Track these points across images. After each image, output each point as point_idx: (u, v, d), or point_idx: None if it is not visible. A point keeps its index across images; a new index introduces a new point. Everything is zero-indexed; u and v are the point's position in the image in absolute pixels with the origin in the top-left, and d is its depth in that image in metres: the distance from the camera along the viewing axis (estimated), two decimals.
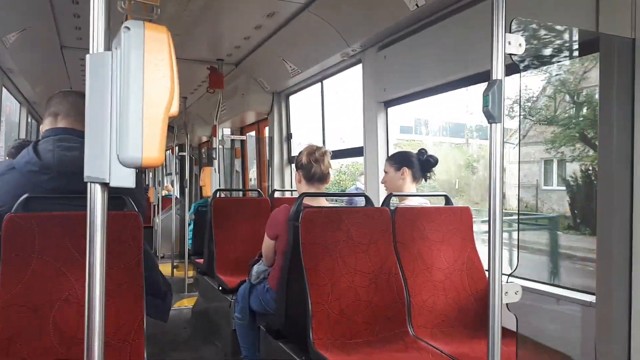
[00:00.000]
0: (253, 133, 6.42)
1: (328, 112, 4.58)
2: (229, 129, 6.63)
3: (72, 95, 1.84)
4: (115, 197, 1.71)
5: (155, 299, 1.89)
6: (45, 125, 1.80)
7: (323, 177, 2.55)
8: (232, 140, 7.01)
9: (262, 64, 4.74)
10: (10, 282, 1.58)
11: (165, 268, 1.95)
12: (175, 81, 0.92)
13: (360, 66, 3.62)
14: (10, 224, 1.60)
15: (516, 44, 1.36)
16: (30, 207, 1.64)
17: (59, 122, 1.79)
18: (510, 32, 1.35)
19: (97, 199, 0.92)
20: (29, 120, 6.20)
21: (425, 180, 2.77)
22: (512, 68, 1.45)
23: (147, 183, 9.53)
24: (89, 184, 0.92)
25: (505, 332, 1.35)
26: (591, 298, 1.93)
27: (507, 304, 1.36)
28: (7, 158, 2.85)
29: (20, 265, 1.60)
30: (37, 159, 1.65)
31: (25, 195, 1.63)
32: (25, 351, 1.57)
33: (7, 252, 1.59)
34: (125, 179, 0.90)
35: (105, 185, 0.92)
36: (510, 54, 1.38)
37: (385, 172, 2.77)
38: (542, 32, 1.83)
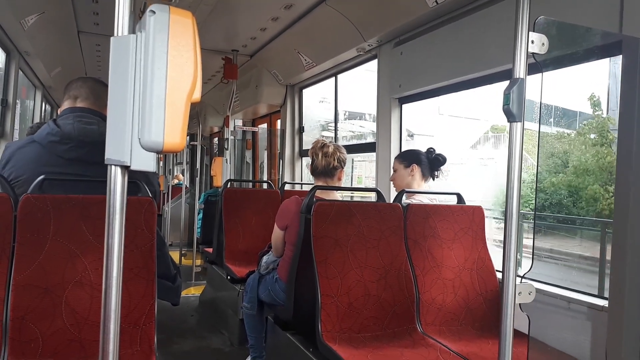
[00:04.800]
0: (265, 125, 6.42)
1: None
2: (241, 120, 6.65)
3: (91, 80, 1.92)
4: (130, 182, 1.72)
5: (165, 282, 1.91)
6: (64, 106, 1.85)
7: (327, 172, 2.55)
8: (244, 132, 7.03)
9: (276, 56, 4.73)
10: (25, 262, 1.60)
11: (173, 255, 1.97)
12: (198, 67, 0.92)
13: (375, 62, 3.60)
14: (26, 205, 1.61)
15: (539, 43, 1.35)
16: (46, 183, 1.66)
17: (78, 104, 1.84)
18: (533, 31, 1.33)
19: (117, 181, 0.92)
20: (44, 105, 6.24)
21: (433, 179, 2.76)
22: (533, 67, 1.44)
23: (157, 172, 9.57)
24: (109, 166, 0.92)
25: (515, 333, 1.34)
26: (603, 302, 1.92)
27: (519, 304, 1.35)
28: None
29: (34, 246, 1.62)
30: (58, 129, 1.69)
31: (41, 177, 1.64)
32: (38, 331, 1.59)
33: (22, 232, 1.61)
34: (146, 162, 0.90)
35: (125, 168, 0.92)
36: (533, 53, 1.37)
37: (395, 169, 2.77)
38: (566, 32, 1.81)
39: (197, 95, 0.93)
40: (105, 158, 0.91)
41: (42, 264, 1.61)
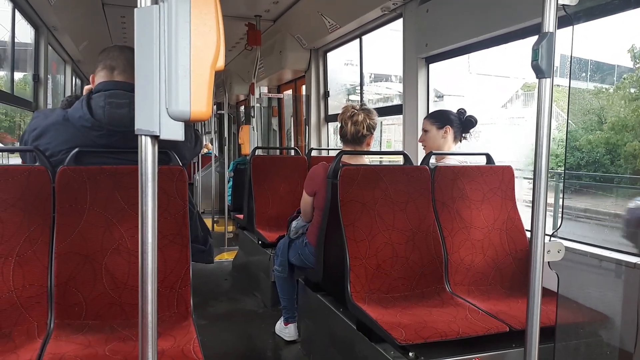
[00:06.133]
0: (290, 91, 6.40)
1: None
2: (266, 87, 6.63)
3: (127, 50, 1.84)
4: (161, 151, 1.75)
5: (198, 246, 1.97)
6: (99, 78, 1.81)
7: (355, 139, 2.52)
8: (269, 99, 7.02)
9: (300, 19, 4.67)
10: (66, 231, 1.68)
11: (206, 223, 2.02)
12: (221, 35, 0.92)
13: (400, 21, 3.52)
14: (63, 176, 1.68)
15: None
16: (81, 160, 1.71)
17: (116, 77, 1.80)
18: None
19: (147, 151, 0.95)
20: (74, 79, 6.36)
21: (460, 142, 2.71)
22: (564, 20, 1.39)
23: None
24: (139, 136, 0.95)
25: (544, 291, 1.35)
26: (636, 259, 1.89)
27: (548, 262, 1.35)
28: None
29: (73, 215, 1.69)
30: (90, 116, 1.69)
31: (76, 149, 1.70)
32: (81, 295, 1.68)
33: (61, 203, 1.68)
34: (175, 131, 0.93)
35: (155, 137, 0.95)
36: (564, 5, 1.32)
37: (425, 130, 2.72)
38: None
39: (220, 63, 0.94)
40: (135, 128, 0.94)
41: (81, 233, 1.69)
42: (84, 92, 1.93)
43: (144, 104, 0.92)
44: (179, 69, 0.89)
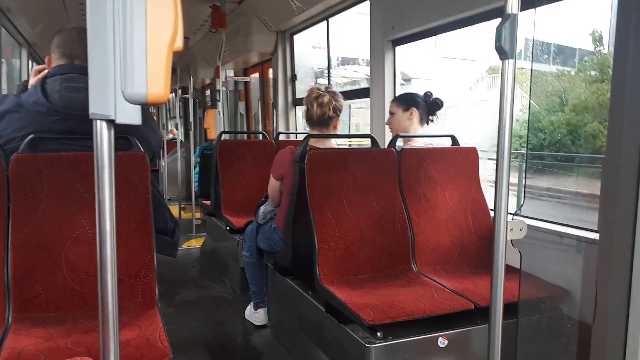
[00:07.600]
0: (257, 75, 6.31)
1: None
2: (232, 71, 6.52)
3: (84, 32, 1.74)
4: (121, 137, 1.70)
5: (163, 236, 1.93)
6: (56, 62, 1.73)
7: (322, 121, 2.52)
8: (236, 82, 6.92)
9: (265, 1, 4.59)
10: (21, 221, 1.62)
11: (172, 210, 1.96)
12: (178, 14, 0.89)
13: (367, 3, 3.49)
14: (18, 165, 1.61)
15: None
16: (37, 147, 1.64)
17: (75, 63, 1.72)
18: None
19: (103, 136, 0.91)
20: (30, 63, 6.10)
21: (427, 124, 2.73)
22: (528, 3, 1.40)
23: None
24: (94, 121, 0.91)
25: (507, 268, 1.37)
26: (595, 235, 1.95)
27: (511, 240, 1.38)
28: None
29: (30, 205, 1.63)
30: (45, 100, 1.62)
31: (31, 136, 1.62)
32: (40, 287, 1.62)
33: (16, 192, 1.62)
34: (131, 115, 0.89)
35: (110, 122, 0.91)
36: None
37: (392, 113, 2.73)
38: None
39: (179, 44, 0.90)
40: (90, 113, 0.90)
41: (38, 223, 1.63)
42: (33, 73, 1.85)
43: (98, 87, 0.88)
44: (134, 49, 0.86)
